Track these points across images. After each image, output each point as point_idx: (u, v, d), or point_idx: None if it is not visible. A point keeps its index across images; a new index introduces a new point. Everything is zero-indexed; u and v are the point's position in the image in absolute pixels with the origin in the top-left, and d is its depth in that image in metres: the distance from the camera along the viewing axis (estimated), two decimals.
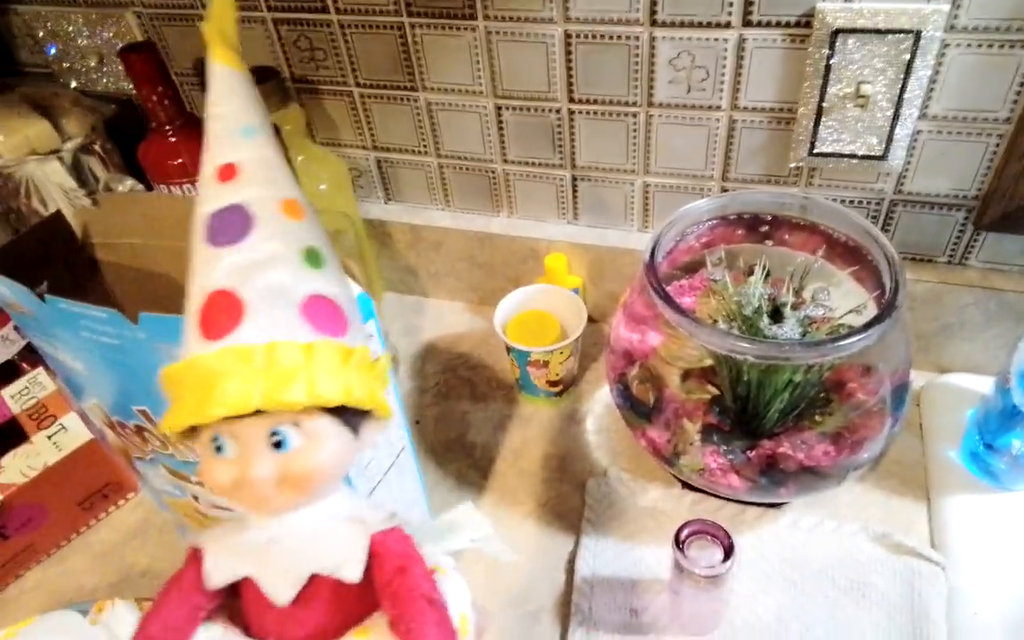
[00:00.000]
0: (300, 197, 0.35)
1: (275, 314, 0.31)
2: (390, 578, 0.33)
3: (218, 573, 0.33)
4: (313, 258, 0.34)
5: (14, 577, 0.63)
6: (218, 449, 0.31)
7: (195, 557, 0.34)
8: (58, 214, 0.47)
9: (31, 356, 0.75)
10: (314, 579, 0.33)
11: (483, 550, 0.41)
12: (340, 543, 0.33)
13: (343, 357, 0.32)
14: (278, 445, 0.31)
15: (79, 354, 0.44)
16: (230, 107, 0.35)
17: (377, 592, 0.33)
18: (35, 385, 0.69)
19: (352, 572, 0.33)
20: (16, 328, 0.75)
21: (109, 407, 0.48)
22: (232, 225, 0.32)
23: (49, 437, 0.63)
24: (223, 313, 0.31)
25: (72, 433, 0.63)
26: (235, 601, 0.35)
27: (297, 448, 0.31)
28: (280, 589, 0.32)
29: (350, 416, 0.33)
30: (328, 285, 0.34)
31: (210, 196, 0.33)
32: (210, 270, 0.32)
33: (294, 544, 0.33)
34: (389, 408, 0.35)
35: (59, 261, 0.48)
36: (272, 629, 0.33)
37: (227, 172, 0.33)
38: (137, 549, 0.64)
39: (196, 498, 0.52)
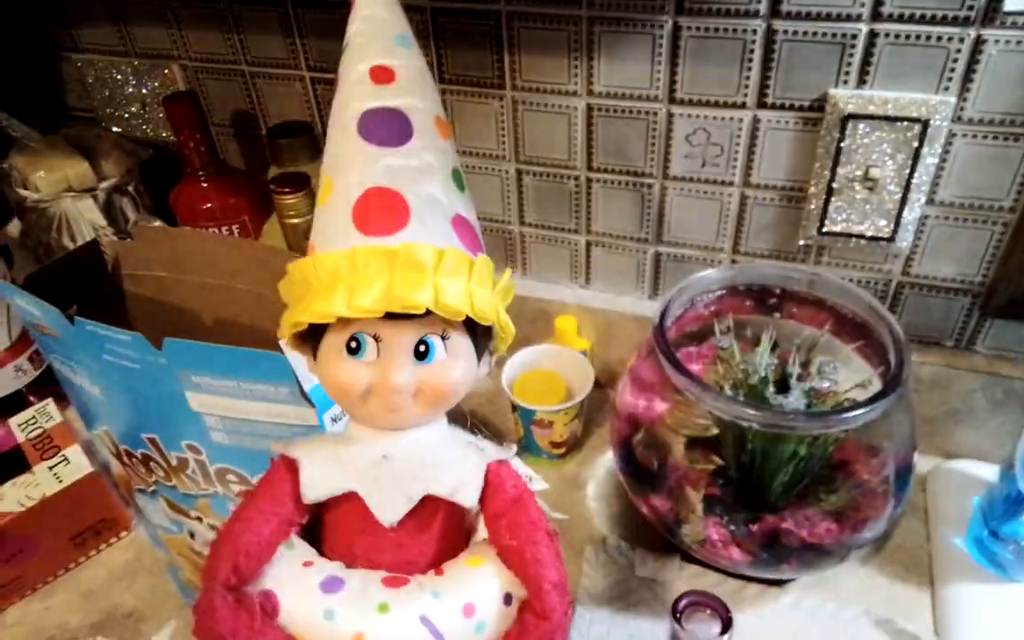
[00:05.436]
0: (446, 117, 0.35)
1: (437, 223, 0.31)
2: (506, 508, 0.31)
3: (318, 487, 0.31)
4: (458, 180, 0.34)
5: None
6: (353, 351, 0.30)
7: (288, 467, 0.32)
8: (93, 243, 0.49)
9: (39, 389, 0.77)
10: (425, 501, 0.31)
11: None
12: (460, 466, 0.32)
13: (489, 273, 0.32)
14: (421, 356, 0.30)
15: (98, 379, 0.45)
16: (383, 12, 0.34)
17: (489, 519, 0.32)
18: (42, 415, 0.69)
19: (469, 497, 0.31)
20: (30, 359, 0.77)
21: (119, 435, 0.49)
22: (392, 128, 0.32)
23: (50, 468, 0.64)
24: (389, 212, 0.30)
25: (73, 465, 0.64)
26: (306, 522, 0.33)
27: (439, 360, 0.30)
28: (388, 508, 0.30)
29: (477, 338, 0.33)
30: (467, 209, 0.34)
31: (365, 94, 0.33)
32: (369, 166, 0.31)
33: (410, 462, 0.31)
34: (511, 327, 0.34)
35: (87, 289, 0.50)
36: (363, 553, 0.31)
37: (383, 75, 0.33)
38: (124, 590, 0.63)
39: (192, 535, 0.52)
